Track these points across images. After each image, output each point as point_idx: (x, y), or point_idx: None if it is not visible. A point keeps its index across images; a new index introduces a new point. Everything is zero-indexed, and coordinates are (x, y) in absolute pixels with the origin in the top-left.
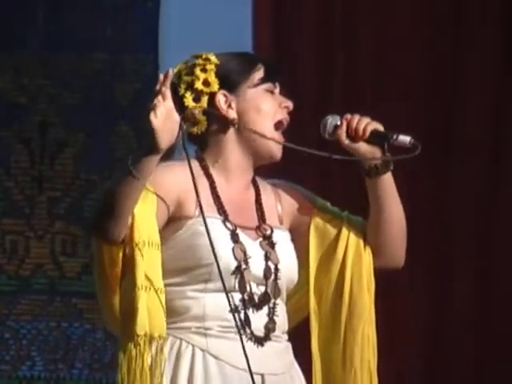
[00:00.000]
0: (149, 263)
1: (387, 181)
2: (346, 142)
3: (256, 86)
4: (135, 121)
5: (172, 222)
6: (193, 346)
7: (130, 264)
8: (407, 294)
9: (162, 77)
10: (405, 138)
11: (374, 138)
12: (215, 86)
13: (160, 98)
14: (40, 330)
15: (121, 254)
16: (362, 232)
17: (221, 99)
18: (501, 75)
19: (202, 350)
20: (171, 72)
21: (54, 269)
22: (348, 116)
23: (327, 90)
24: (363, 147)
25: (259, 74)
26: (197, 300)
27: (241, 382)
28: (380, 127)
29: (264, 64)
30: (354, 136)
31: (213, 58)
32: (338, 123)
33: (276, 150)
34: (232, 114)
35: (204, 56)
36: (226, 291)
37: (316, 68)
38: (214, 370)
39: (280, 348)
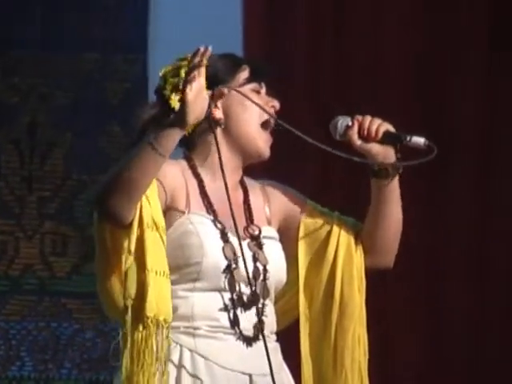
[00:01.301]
0: (157, 246)
1: (394, 183)
2: (358, 142)
3: (242, 85)
4: (126, 120)
5: (164, 217)
6: (181, 346)
7: (139, 246)
8: (404, 295)
9: (202, 49)
10: (419, 140)
11: (387, 139)
12: None
13: (197, 72)
14: (29, 330)
15: (126, 237)
16: (354, 231)
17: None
18: (493, 74)
19: (190, 350)
20: (210, 48)
21: (44, 269)
22: (359, 117)
23: (320, 89)
24: (375, 148)
25: (244, 74)
26: (185, 299)
27: (229, 382)
28: (391, 128)
29: (249, 64)
30: (366, 137)
31: None
32: (350, 124)
33: (264, 149)
34: (218, 114)
35: (189, 58)
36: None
37: (307, 67)
38: (202, 370)
39: (269, 348)
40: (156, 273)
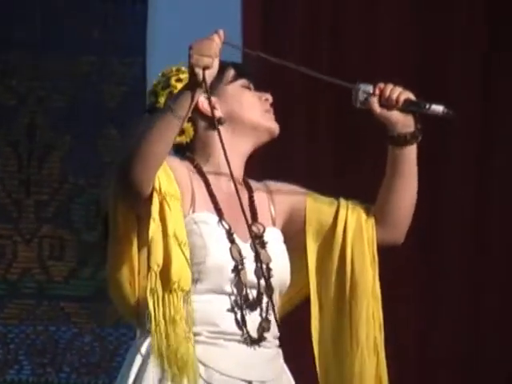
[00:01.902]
0: (175, 215)
1: (412, 152)
2: (378, 110)
3: (231, 82)
4: (123, 124)
5: None
6: None
7: (160, 214)
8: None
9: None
10: (438, 108)
11: (407, 107)
12: None
13: (217, 37)
14: (28, 334)
15: (138, 222)
16: (362, 208)
17: (204, 102)
18: (493, 74)
19: None
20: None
21: (42, 273)
22: (381, 85)
23: (317, 88)
24: (395, 115)
25: (231, 72)
26: None
27: None
28: (412, 97)
29: (232, 65)
30: (387, 105)
31: (183, 68)
32: (371, 91)
33: (273, 125)
34: (218, 114)
35: (174, 68)
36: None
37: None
38: (201, 376)
39: (271, 354)
40: (177, 240)
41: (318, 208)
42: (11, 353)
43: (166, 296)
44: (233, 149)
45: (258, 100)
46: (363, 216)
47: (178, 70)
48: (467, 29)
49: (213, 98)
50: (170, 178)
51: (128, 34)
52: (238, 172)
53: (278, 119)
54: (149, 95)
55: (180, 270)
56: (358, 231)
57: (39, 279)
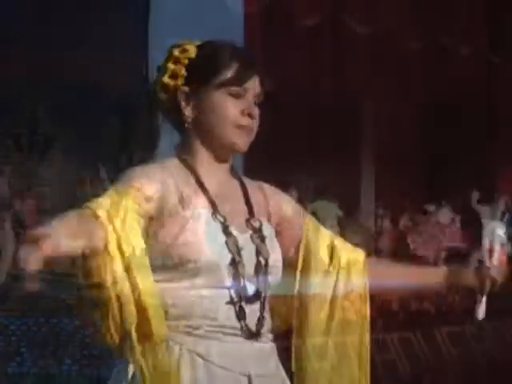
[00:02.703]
0: (142, 266)
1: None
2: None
3: (219, 87)
4: (124, 118)
5: (156, 219)
6: (180, 345)
7: (129, 279)
8: None
9: None
10: (480, 311)
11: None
12: (180, 82)
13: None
14: (29, 326)
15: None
16: (354, 253)
17: (181, 96)
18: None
19: (188, 350)
20: None
21: None
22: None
23: (319, 89)
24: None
25: (230, 73)
26: (185, 297)
27: (228, 382)
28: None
29: (239, 62)
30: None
31: (190, 50)
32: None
33: (239, 144)
34: (187, 112)
35: (182, 47)
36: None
37: (306, 68)
38: (201, 370)
39: (267, 349)
40: (147, 293)
41: (314, 237)
42: (13, 345)
43: (147, 347)
44: (207, 144)
45: (237, 113)
46: (352, 261)
47: (184, 51)
48: (467, 29)
49: (192, 96)
50: (125, 228)
51: (130, 28)
52: (224, 165)
53: (278, 118)
54: (156, 70)
55: (157, 321)
56: (348, 270)
57: (41, 271)
